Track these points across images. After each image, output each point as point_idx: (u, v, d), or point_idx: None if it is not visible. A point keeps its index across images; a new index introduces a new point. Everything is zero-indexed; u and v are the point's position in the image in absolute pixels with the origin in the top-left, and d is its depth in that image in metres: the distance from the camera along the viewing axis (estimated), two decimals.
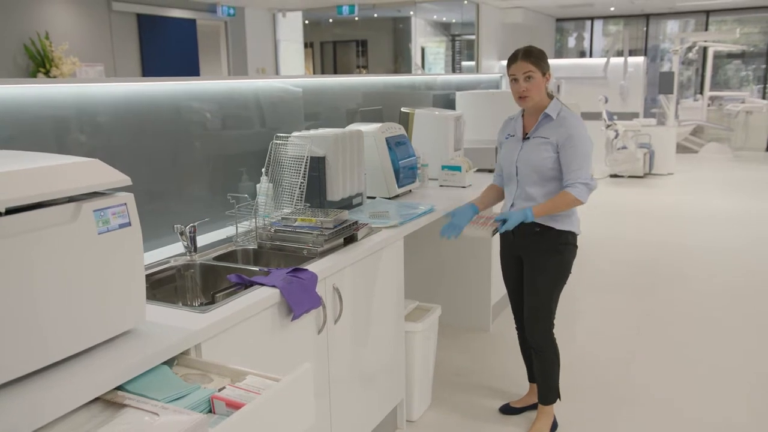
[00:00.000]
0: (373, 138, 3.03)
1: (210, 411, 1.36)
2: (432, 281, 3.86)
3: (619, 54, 10.53)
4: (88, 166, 1.44)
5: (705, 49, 11.65)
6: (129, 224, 1.45)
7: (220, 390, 1.40)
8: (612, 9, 11.58)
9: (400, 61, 13.63)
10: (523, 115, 2.57)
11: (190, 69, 9.11)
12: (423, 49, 14.21)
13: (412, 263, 3.71)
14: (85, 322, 1.38)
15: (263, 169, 2.64)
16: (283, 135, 2.67)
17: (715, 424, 2.82)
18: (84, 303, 1.36)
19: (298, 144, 2.61)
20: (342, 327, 2.20)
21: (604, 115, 9.01)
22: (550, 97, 2.49)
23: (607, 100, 9.10)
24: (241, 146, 2.73)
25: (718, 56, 12.28)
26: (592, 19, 13.04)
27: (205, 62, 9.54)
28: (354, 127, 3.14)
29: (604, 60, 10.51)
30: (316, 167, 2.63)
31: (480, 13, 10.14)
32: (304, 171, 2.52)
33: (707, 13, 12.39)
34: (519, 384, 3.15)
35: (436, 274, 3.84)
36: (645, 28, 12.55)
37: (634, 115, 10.11)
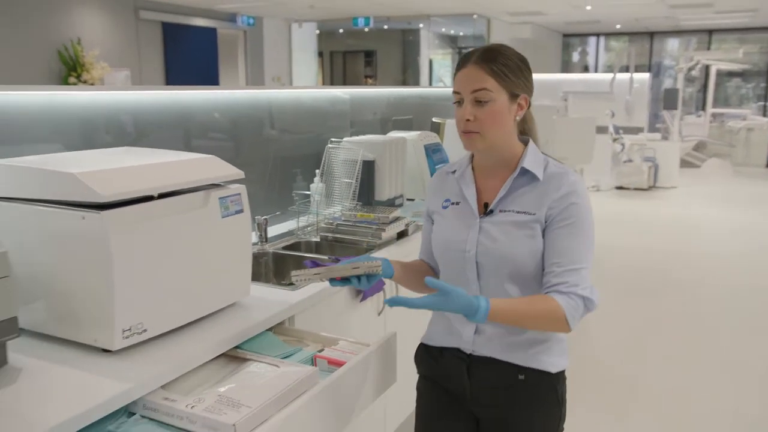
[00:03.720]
0: (413, 145, 3.30)
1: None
2: None
3: (625, 70, 10.85)
4: (209, 161, 1.71)
5: (707, 67, 11.98)
6: (242, 211, 1.71)
7: (320, 351, 1.66)
8: (618, 26, 11.91)
9: (409, 73, 13.95)
10: (473, 167, 1.53)
11: (210, 76, 9.39)
12: (431, 61, 14.55)
13: None
14: (209, 291, 1.64)
15: (317, 170, 2.90)
16: (336, 140, 2.93)
17: (725, 418, 3.07)
18: (209, 275, 1.62)
19: (350, 148, 2.88)
20: (396, 311, 2.46)
21: (611, 129, 9.30)
22: (524, 141, 1.48)
23: (613, 115, 9.40)
24: (295, 150, 3.00)
25: (719, 74, 12.62)
26: (598, 35, 13.38)
27: (223, 70, 9.82)
28: (394, 134, 3.41)
29: (609, 75, 10.83)
30: (366, 170, 2.89)
31: (490, 28, 10.47)
32: (358, 173, 2.79)
33: (710, 32, 12.73)
34: None
35: None
36: (650, 46, 12.90)
37: (639, 130, 10.41)
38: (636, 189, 9.49)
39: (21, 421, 1.17)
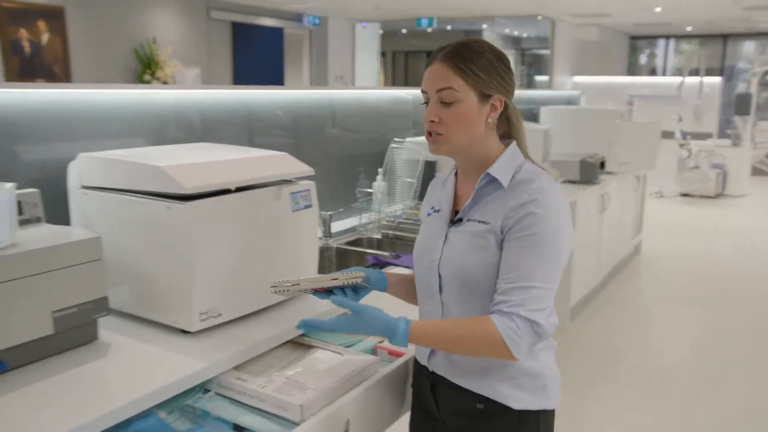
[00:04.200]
0: None
1: None
2: None
3: (695, 73, 10.55)
4: (281, 158, 1.81)
5: None
6: (310, 206, 1.81)
7: (380, 342, 1.74)
8: (689, 28, 11.57)
9: None
10: (456, 174, 1.45)
11: (276, 75, 9.63)
12: None
13: None
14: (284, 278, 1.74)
15: (380, 169, 2.99)
16: (399, 140, 3.01)
17: None
18: (279, 265, 1.72)
19: (413, 149, 2.95)
20: None
21: (678, 134, 9.07)
22: (507, 144, 1.36)
23: (681, 119, 9.16)
24: (358, 149, 3.09)
25: None
26: (667, 37, 13.02)
27: (288, 69, 10.05)
28: None
29: (676, 79, 10.55)
30: (427, 170, 2.96)
31: (555, 29, 10.35)
32: (420, 173, 2.86)
33: None
34: (600, 385, 3.39)
35: None
36: (722, 48, 12.47)
37: (707, 135, 10.10)
38: (702, 196, 9.21)
39: (112, 390, 1.29)
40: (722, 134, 10.83)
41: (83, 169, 1.64)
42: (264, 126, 2.59)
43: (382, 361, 1.66)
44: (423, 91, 1.34)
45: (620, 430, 2.95)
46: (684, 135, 9.26)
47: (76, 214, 1.69)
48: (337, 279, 1.39)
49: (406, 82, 13.91)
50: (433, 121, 1.31)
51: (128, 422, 1.28)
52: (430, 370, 1.42)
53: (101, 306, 1.49)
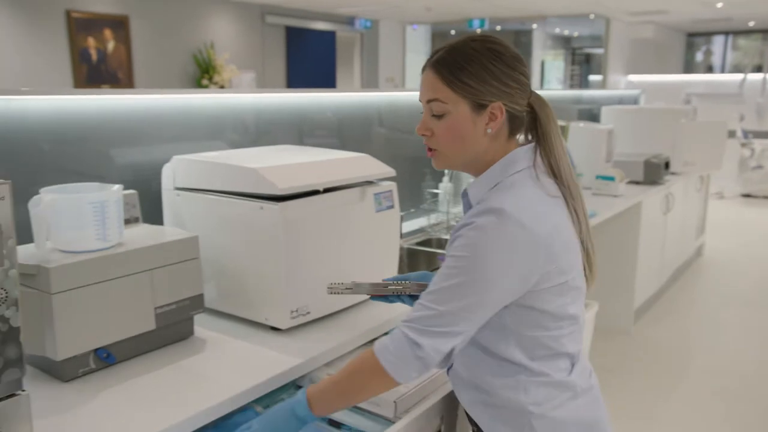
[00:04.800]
0: None
1: None
2: None
3: (757, 70, 10.20)
4: (362, 159, 1.84)
5: None
6: (392, 207, 1.83)
7: None
8: (751, 24, 11.20)
9: None
10: None
11: (328, 78, 9.73)
12: (543, 63, 14.29)
13: None
14: (363, 278, 1.77)
15: (446, 171, 2.99)
16: None
17: None
18: (363, 265, 1.75)
19: None
20: None
21: (739, 133, 8.79)
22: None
23: (743, 118, 8.88)
24: (423, 150, 3.10)
25: None
26: (726, 33, 12.64)
27: (340, 71, 10.15)
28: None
29: (736, 76, 10.23)
30: None
31: (609, 28, 10.16)
32: None
33: None
34: (659, 394, 3.32)
35: None
36: None
37: None
38: (765, 197, 8.91)
39: (212, 385, 1.33)
40: None
41: (177, 171, 1.71)
42: (312, 127, 2.62)
43: None
44: (420, 100, 1.24)
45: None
46: (746, 134, 8.98)
47: (168, 214, 1.75)
48: (386, 287, 1.42)
49: None
50: (425, 135, 1.22)
51: (227, 415, 1.33)
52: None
53: (198, 303, 1.54)
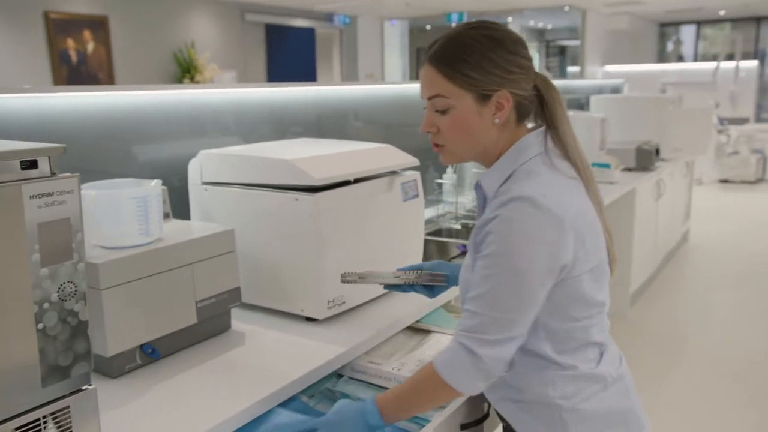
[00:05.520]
0: None
1: None
2: None
3: (729, 58, 10.42)
4: (386, 149, 1.85)
5: None
6: (417, 196, 1.85)
7: None
8: (722, 12, 11.42)
9: None
10: None
11: (308, 75, 9.70)
12: None
13: None
14: (391, 269, 1.78)
15: None
16: None
17: None
18: (391, 253, 1.77)
19: None
20: None
21: (715, 120, 8.97)
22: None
23: (718, 105, 9.07)
24: (425, 142, 3.12)
25: None
26: (699, 22, 12.87)
27: (320, 68, 10.12)
28: None
29: (708, 65, 10.44)
30: None
31: (585, 19, 10.28)
32: None
33: None
34: (660, 375, 3.39)
35: None
36: (756, 32, 12.28)
37: (744, 120, 9.97)
38: (742, 182, 9.11)
39: (259, 377, 1.33)
40: (758, 119, 10.68)
41: (204, 166, 1.70)
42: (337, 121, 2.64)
43: None
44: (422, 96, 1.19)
45: (690, 413, 2.96)
46: (721, 121, 9.17)
47: (196, 209, 1.75)
48: (398, 278, 1.43)
49: None
50: (430, 132, 1.18)
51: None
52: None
53: (235, 296, 1.54)
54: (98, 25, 6.87)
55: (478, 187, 1.20)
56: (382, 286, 1.50)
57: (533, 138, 1.17)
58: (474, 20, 1.18)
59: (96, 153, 1.72)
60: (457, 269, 1.38)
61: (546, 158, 1.15)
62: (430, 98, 1.15)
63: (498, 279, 1.06)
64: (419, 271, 1.44)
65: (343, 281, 1.48)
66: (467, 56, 1.10)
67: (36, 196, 0.92)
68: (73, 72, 6.69)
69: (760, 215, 7.11)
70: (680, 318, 4.18)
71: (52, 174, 0.96)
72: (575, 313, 1.14)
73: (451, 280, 1.44)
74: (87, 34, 6.77)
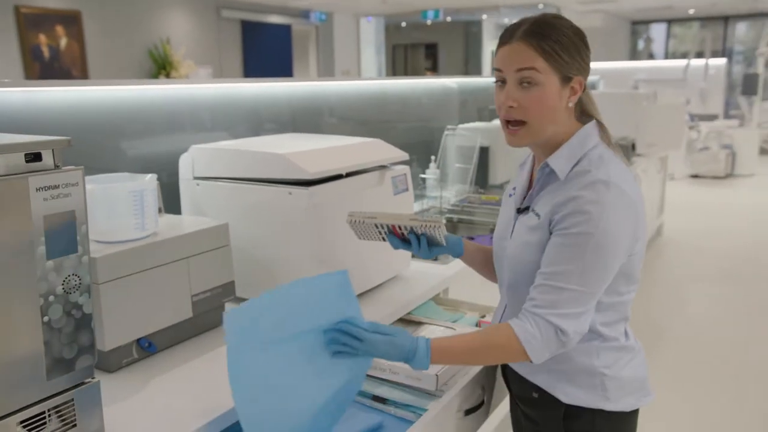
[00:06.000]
0: None
1: None
2: None
3: (699, 56, 10.63)
4: (375, 144, 1.87)
5: None
6: (407, 190, 1.87)
7: (482, 317, 1.80)
8: (691, 11, 11.65)
9: (472, 64, 13.99)
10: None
11: (285, 71, 9.67)
12: (493, 53, 14.53)
13: None
14: (381, 262, 1.81)
15: (433, 156, 3.05)
16: (452, 127, 3.07)
17: None
18: (382, 248, 1.78)
19: (466, 135, 3.01)
20: None
21: (687, 117, 9.16)
22: (584, 123, 1.27)
23: (689, 102, 9.25)
24: (409, 136, 3.15)
25: None
26: (669, 21, 13.11)
27: (296, 64, 10.09)
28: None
29: (678, 62, 10.64)
30: (480, 155, 3.02)
31: None
32: (477, 158, 2.92)
33: None
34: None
35: None
36: (723, 30, 12.56)
37: (714, 117, 10.20)
38: (713, 177, 9.31)
39: None
40: (727, 115, 10.93)
41: (196, 161, 1.70)
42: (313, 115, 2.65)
43: None
44: (497, 69, 1.21)
45: (671, 402, 3.03)
46: (692, 117, 9.36)
47: (187, 204, 1.75)
48: (415, 220, 1.35)
49: (406, 74, 13.96)
50: (511, 107, 1.20)
51: None
52: None
53: (229, 290, 1.55)
54: (71, 21, 6.76)
55: (544, 167, 1.23)
56: (383, 235, 1.43)
57: (591, 128, 1.25)
58: (550, 13, 1.24)
59: (81, 148, 1.70)
60: (452, 238, 1.43)
61: (605, 147, 1.24)
62: (519, 70, 1.18)
63: (587, 256, 1.13)
64: (428, 218, 1.36)
65: (350, 220, 1.41)
66: (561, 38, 1.18)
67: (42, 189, 0.92)
68: (45, 68, 6.58)
69: (730, 209, 7.27)
70: (654, 310, 4.26)
71: (56, 167, 0.96)
72: (622, 288, 1.23)
73: (448, 246, 1.42)
74: (59, 29, 6.66)
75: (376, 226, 1.40)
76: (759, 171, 9.64)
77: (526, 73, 1.18)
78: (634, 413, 1.30)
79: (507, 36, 1.21)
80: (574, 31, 1.21)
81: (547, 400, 1.28)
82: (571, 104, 1.23)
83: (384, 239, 1.44)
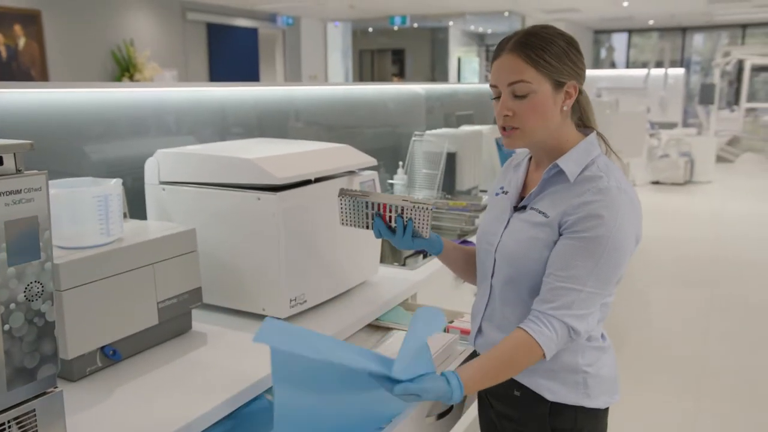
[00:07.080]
0: (485, 138, 3.44)
1: None
2: None
3: (658, 65, 10.90)
4: (344, 149, 1.87)
5: (741, 62, 11.97)
6: None
7: (450, 322, 1.81)
8: (651, 22, 11.94)
9: (438, 70, 14.11)
10: (531, 158, 1.42)
11: (251, 74, 9.59)
12: (459, 59, 14.68)
13: None
14: (350, 268, 1.80)
15: (401, 162, 3.06)
16: (420, 133, 3.09)
17: None
18: (350, 253, 1.78)
19: (433, 141, 3.03)
20: None
21: (647, 125, 9.38)
22: (586, 134, 1.32)
23: (649, 110, 9.47)
24: (377, 142, 3.16)
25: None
26: (630, 31, 13.41)
27: (263, 68, 10.03)
28: (466, 128, 3.56)
29: (639, 71, 10.89)
30: (447, 161, 3.04)
31: (524, 25, 10.57)
32: (444, 164, 2.94)
33: (743, 26, 12.70)
34: None
35: None
36: (682, 41, 12.91)
37: (673, 125, 10.47)
38: (672, 184, 9.54)
39: (224, 377, 1.33)
40: (685, 123, 11.22)
41: (162, 165, 1.68)
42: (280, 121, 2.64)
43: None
44: (493, 86, 1.28)
45: (633, 407, 3.09)
46: (652, 125, 9.58)
47: (153, 209, 1.72)
48: (407, 200, 1.36)
49: (373, 80, 14.00)
50: (507, 116, 1.26)
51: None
52: (477, 351, 1.44)
53: (196, 296, 1.53)
54: (30, 20, 6.60)
55: (552, 168, 1.28)
56: (367, 223, 1.41)
57: (594, 137, 1.31)
58: (538, 25, 1.29)
59: (44, 152, 1.66)
60: (431, 235, 1.41)
61: (606, 159, 1.31)
62: (511, 84, 1.24)
63: (602, 259, 1.20)
64: (428, 200, 1.38)
65: (341, 195, 1.42)
66: (549, 46, 1.23)
67: (4, 194, 0.90)
68: (2, 68, 6.41)
69: (689, 215, 7.47)
70: (618, 313, 4.35)
71: (18, 171, 0.94)
72: (611, 289, 1.28)
73: (432, 246, 1.43)
74: (18, 28, 6.50)
75: (367, 205, 1.40)
76: (715, 178, 9.92)
77: (517, 86, 1.24)
78: (607, 411, 1.37)
79: (498, 50, 1.28)
80: (563, 38, 1.26)
81: (530, 398, 1.32)
82: (566, 108, 1.27)
83: (368, 226, 1.42)
